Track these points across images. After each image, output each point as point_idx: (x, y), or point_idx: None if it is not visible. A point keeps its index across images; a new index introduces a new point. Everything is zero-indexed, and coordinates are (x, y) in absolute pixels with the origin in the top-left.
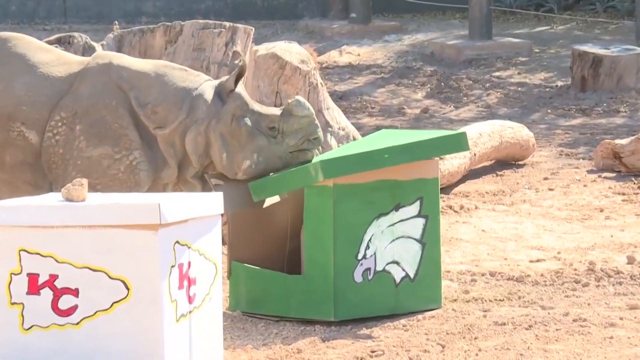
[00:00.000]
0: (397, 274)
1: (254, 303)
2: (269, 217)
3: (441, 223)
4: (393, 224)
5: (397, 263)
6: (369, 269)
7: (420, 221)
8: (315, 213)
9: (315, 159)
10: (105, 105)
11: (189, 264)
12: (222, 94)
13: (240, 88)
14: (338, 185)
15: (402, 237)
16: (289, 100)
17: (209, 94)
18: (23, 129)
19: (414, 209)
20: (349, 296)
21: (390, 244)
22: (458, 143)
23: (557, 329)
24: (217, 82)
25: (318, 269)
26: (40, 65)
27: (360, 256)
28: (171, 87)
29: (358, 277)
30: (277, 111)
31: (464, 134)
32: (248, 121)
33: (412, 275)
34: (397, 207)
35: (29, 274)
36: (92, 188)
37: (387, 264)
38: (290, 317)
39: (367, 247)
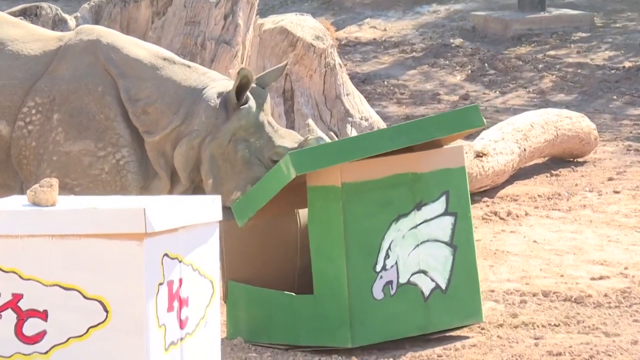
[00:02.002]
0: (426, 285)
1: (256, 331)
2: (274, 228)
3: (485, 233)
4: (416, 226)
5: (425, 272)
6: (390, 282)
7: (448, 220)
8: (322, 220)
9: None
10: (90, 91)
11: (181, 281)
12: (229, 106)
13: (252, 103)
14: (347, 185)
15: (428, 240)
16: (309, 137)
17: (214, 102)
18: None
19: (439, 206)
20: (369, 317)
21: (415, 251)
22: (468, 118)
23: None
24: (227, 84)
25: (329, 286)
26: (7, 43)
27: (379, 267)
28: (169, 85)
29: (378, 293)
30: (291, 142)
31: (475, 107)
32: (247, 147)
33: (443, 286)
34: (418, 206)
35: None
36: (70, 190)
37: (413, 275)
38: (300, 346)
39: (387, 256)
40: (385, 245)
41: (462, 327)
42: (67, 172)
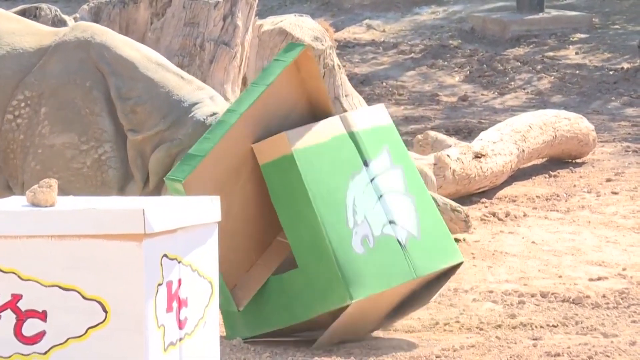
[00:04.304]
0: (400, 234)
1: (254, 324)
2: (253, 224)
3: (483, 234)
4: (371, 181)
5: (394, 222)
6: (366, 235)
7: (397, 172)
8: (285, 191)
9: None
10: (77, 85)
11: (180, 281)
12: None
13: None
14: (298, 151)
15: (387, 193)
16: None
17: (204, 119)
18: None
19: (384, 160)
20: (358, 271)
21: (378, 203)
22: (288, 52)
23: None
24: (224, 107)
25: (312, 253)
26: (4, 35)
27: (351, 224)
28: (161, 90)
29: (358, 246)
30: None
31: (291, 44)
32: None
33: (415, 233)
34: (366, 162)
35: None
36: None
37: (384, 226)
38: (301, 324)
39: (355, 212)
40: (349, 203)
41: (448, 272)
42: (50, 165)
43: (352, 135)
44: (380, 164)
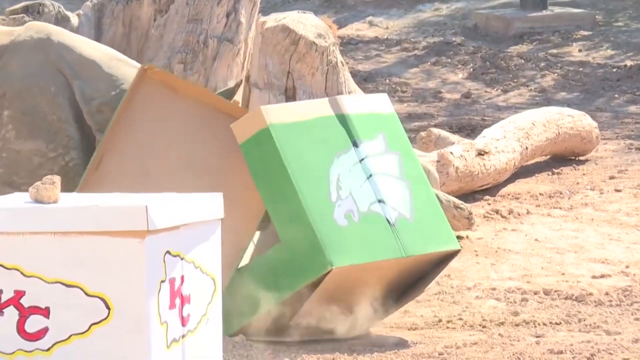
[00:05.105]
0: (389, 213)
1: (247, 310)
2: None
3: (486, 231)
4: (360, 161)
5: (384, 202)
6: (350, 210)
7: (392, 157)
8: (263, 166)
9: None
10: (42, 90)
11: (182, 278)
12: None
13: None
14: (275, 125)
15: (379, 174)
16: None
17: None
18: None
19: (378, 144)
20: (340, 241)
21: (367, 182)
22: None
23: (624, 359)
24: None
25: (293, 225)
26: None
27: (333, 198)
28: (123, 87)
29: (341, 219)
30: None
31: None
32: None
33: (408, 215)
34: (356, 143)
35: None
36: (17, 189)
37: (372, 204)
38: (287, 297)
39: (339, 187)
40: (333, 178)
41: (444, 260)
42: (16, 170)
43: (340, 117)
44: (373, 147)
